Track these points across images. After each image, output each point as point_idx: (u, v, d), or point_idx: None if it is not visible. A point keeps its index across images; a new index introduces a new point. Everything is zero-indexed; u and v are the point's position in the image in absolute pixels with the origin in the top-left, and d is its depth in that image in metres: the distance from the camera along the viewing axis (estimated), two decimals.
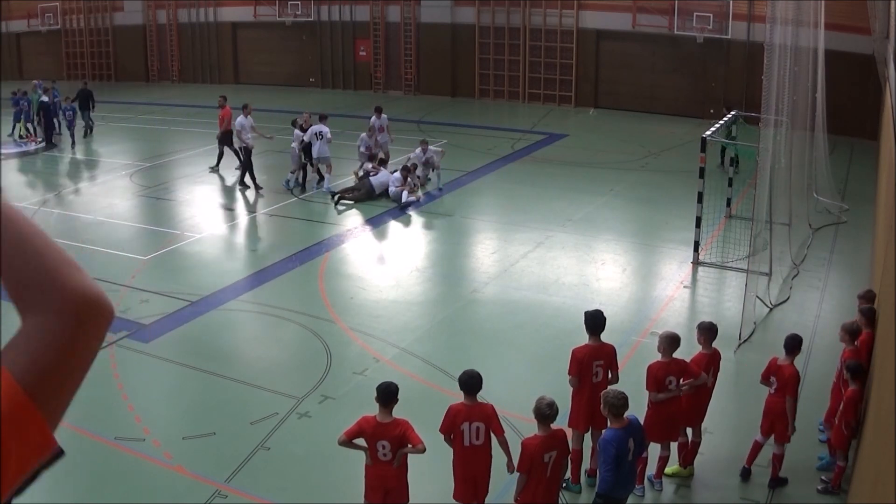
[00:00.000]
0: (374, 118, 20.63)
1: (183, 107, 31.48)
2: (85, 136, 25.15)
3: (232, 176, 20.41)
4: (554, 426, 6.87)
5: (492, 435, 7.08)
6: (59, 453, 1.13)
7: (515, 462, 6.91)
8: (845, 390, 7.93)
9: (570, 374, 7.94)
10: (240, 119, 19.06)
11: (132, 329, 11.60)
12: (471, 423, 7.01)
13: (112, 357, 10.65)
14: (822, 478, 8.20)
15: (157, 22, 37.85)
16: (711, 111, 26.36)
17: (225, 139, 20.43)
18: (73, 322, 1.15)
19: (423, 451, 6.79)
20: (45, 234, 1.22)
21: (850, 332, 8.44)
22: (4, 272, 1.18)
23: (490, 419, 7.06)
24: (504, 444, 7.07)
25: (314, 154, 18.79)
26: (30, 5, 39.06)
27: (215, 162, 20.95)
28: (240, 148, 19.26)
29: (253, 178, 19.14)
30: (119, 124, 28.32)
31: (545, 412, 6.68)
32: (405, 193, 17.64)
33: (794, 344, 8.14)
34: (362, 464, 7.02)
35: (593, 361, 7.91)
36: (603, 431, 7.06)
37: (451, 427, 7.07)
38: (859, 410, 7.89)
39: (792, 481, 8.23)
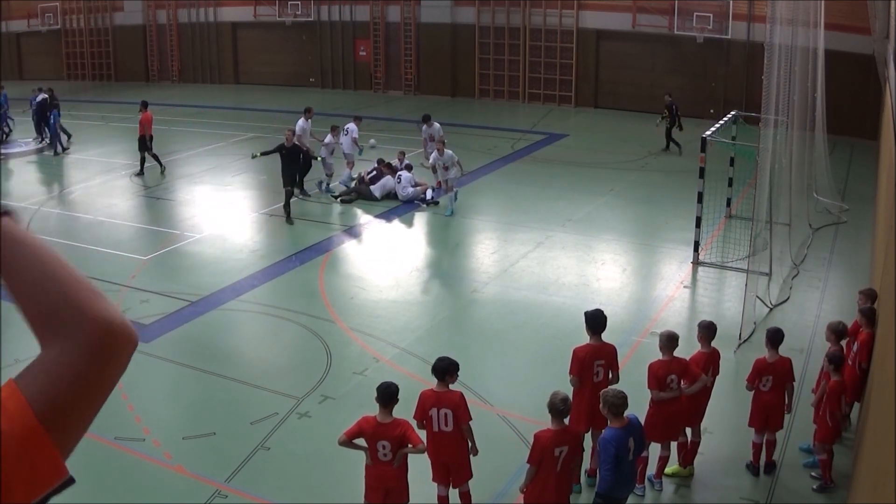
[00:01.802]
0: (424, 127, 19.79)
1: (183, 107, 31.47)
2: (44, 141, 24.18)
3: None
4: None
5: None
6: (70, 481, 1.12)
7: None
8: (828, 382, 8.01)
9: (571, 373, 7.93)
10: (300, 123, 18.85)
11: None
12: (439, 410, 7.12)
13: None
14: (812, 474, 8.29)
15: (157, 22, 37.86)
16: (711, 111, 26.37)
17: (142, 144, 20.32)
18: (92, 351, 1.14)
19: (424, 451, 6.80)
20: (65, 261, 1.21)
21: (836, 332, 8.52)
22: (25, 300, 1.17)
23: (457, 406, 7.11)
24: (468, 431, 7.18)
25: (344, 149, 18.75)
26: (30, 5, 39.07)
27: (160, 167, 20.67)
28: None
29: (301, 183, 18.40)
30: (119, 124, 28.31)
31: (559, 407, 6.73)
32: (428, 192, 17.88)
33: (778, 337, 8.24)
34: (362, 464, 7.02)
35: (594, 361, 7.91)
36: (603, 431, 7.07)
37: (422, 413, 7.19)
38: (843, 401, 8.01)
39: (792, 480, 8.25)
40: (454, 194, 17.31)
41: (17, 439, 1.06)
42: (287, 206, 16.73)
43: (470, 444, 7.26)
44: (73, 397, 1.13)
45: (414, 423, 7.08)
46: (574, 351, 7.97)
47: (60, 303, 1.16)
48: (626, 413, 6.83)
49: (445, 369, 7.20)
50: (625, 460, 6.79)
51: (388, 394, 6.84)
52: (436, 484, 7.46)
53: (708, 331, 8.35)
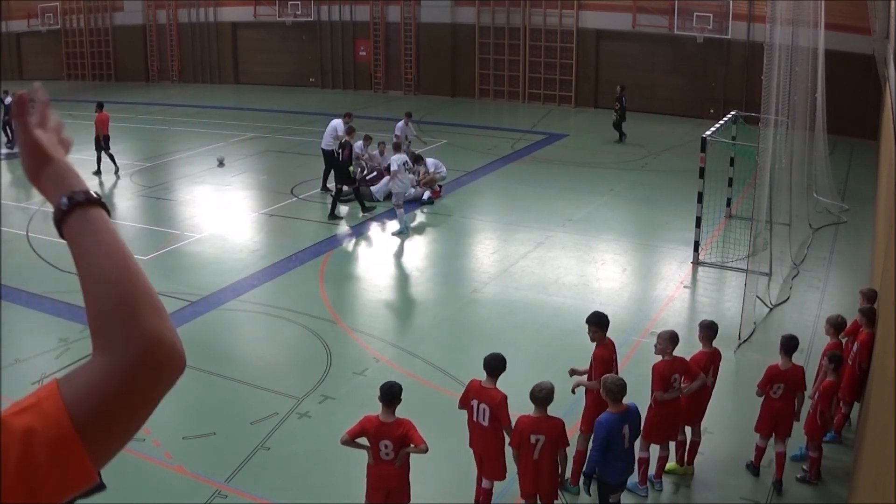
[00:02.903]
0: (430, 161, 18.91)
1: (183, 107, 31.49)
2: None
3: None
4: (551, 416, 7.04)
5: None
6: (101, 487, 1.13)
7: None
8: (823, 381, 8.07)
9: (590, 379, 7.98)
10: (339, 124, 18.49)
11: None
12: (479, 403, 7.27)
13: None
14: (804, 467, 8.30)
15: (157, 22, 37.86)
16: (711, 111, 26.38)
17: (100, 143, 20.51)
18: (136, 369, 1.13)
19: (426, 450, 6.81)
20: (137, 266, 1.19)
21: (835, 326, 8.56)
22: (88, 299, 1.17)
23: (495, 405, 7.22)
24: (507, 430, 7.27)
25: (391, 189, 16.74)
26: (30, 5, 39.08)
27: (114, 167, 20.80)
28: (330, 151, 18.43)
29: (325, 181, 18.60)
30: (119, 124, 28.27)
31: (536, 395, 6.93)
32: (426, 192, 17.89)
33: (792, 345, 8.16)
34: (362, 464, 7.02)
35: (612, 362, 8.05)
36: (601, 414, 7.21)
37: (464, 401, 7.39)
38: (833, 402, 8.07)
39: (791, 481, 8.24)
40: (402, 213, 16.09)
41: (50, 440, 1.06)
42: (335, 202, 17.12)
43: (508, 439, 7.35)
44: (113, 412, 1.12)
45: (415, 426, 7.08)
46: (601, 355, 7.96)
47: (117, 311, 1.14)
48: (627, 401, 6.96)
49: (493, 366, 7.36)
50: (617, 445, 6.93)
51: (391, 393, 6.84)
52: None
53: (709, 330, 8.34)
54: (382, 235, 16.59)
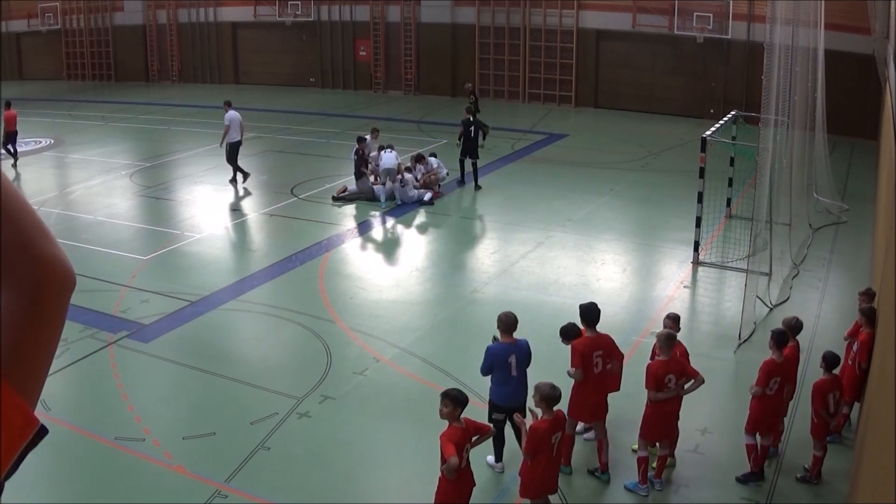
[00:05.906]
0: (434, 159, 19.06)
1: (183, 107, 31.50)
2: None
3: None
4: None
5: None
6: (43, 431, 1.13)
7: None
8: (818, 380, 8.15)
9: (573, 366, 8.12)
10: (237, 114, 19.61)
11: (132, 329, 11.59)
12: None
13: (112, 357, 10.66)
14: (805, 466, 8.29)
15: (157, 22, 37.87)
16: (711, 111, 26.38)
17: (8, 139, 21.63)
18: (41, 288, 1.16)
19: (494, 433, 7.11)
20: (20, 195, 1.22)
21: (791, 328, 8.58)
22: None
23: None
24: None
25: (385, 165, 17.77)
26: (30, 5, 39.08)
27: (13, 160, 21.71)
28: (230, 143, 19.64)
29: (237, 170, 19.78)
30: (119, 124, 28.33)
31: (553, 394, 7.02)
32: (427, 193, 17.99)
33: (784, 339, 8.18)
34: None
35: (593, 353, 8.14)
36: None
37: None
38: (831, 400, 8.09)
39: (791, 481, 8.25)
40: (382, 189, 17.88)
41: None
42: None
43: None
44: (29, 346, 1.14)
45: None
46: (573, 345, 8.16)
47: (12, 244, 1.16)
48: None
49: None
50: (503, 372, 7.87)
51: (465, 397, 6.79)
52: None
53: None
54: (382, 235, 16.59)
